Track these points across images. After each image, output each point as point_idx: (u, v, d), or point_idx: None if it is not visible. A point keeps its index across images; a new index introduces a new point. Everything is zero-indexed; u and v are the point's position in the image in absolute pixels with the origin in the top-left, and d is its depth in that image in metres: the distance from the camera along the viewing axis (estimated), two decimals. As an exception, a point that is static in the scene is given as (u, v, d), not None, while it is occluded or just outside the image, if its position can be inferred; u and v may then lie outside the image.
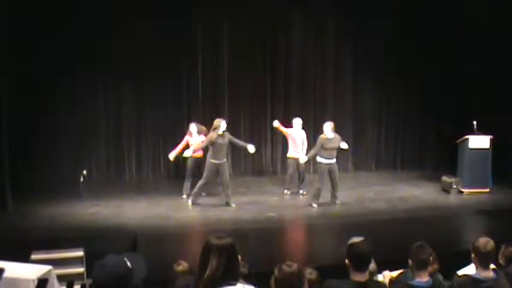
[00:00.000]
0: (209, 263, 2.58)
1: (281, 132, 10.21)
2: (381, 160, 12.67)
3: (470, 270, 3.91)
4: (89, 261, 6.08)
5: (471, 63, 11.41)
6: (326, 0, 11.86)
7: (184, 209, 9.08)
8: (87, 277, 5.97)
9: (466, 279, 3.69)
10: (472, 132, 9.94)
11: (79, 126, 10.68)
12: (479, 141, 9.97)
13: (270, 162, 12.05)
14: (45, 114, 10.38)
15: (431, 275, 3.56)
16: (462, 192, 10.07)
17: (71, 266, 6.12)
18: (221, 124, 8.81)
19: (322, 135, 9.09)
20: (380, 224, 8.12)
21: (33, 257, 5.99)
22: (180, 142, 9.70)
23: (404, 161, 12.73)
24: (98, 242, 6.79)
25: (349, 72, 12.35)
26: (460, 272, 4.01)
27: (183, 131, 9.98)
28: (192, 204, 9.12)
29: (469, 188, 10.07)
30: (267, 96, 11.92)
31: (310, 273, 3.81)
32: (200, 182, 9.03)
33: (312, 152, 9.27)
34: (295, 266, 2.81)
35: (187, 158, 9.50)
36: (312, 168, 11.49)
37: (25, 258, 5.65)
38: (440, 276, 3.95)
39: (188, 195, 9.54)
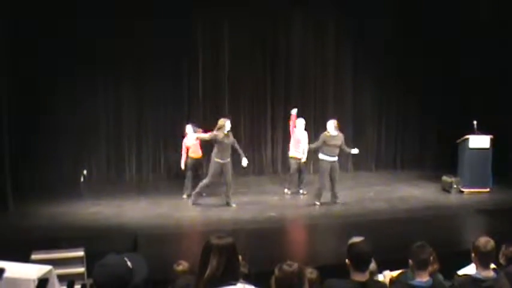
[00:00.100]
0: (209, 262, 2.58)
1: (289, 125, 10.16)
2: (381, 160, 12.69)
3: (470, 269, 3.91)
4: (89, 261, 6.07)
5: (471, 63, 11.42)
6: (326, 0, 11.86)
7: (185, 209, 9.08)
8: (87, 277, 5.96)
9: (467, 279, 3.69)
10: (472, 132, 9.94)
11: (79, 126, 10.69)
12: (479, 141, 9.98)
13: (270, 162, 12.05)
14: (45, 114, 10.38)
15: (431, 274, 3.56)
16: (462, 191, 10.08)
17: (71, 266, 6.11)
18: (226, 124, 8.84)
19: (325, 132, 9.11)
20: (380, 224, 8.12)
21: (34, 257, 5.98)
22: (180, 143, 9.76)
23: (405, 161, 12.74)
24: (99, 241, 6.79)
25: (349, 72, 12.36)
26: (460, 272, 4.01)
27: (184, 131, 9.98)
28: (193, 204, 9.13)
29: (469, 187, 10.08)
30: (267, 96, 11.93)
31: (310, 273, 3.80)
32: (204, 182, 9.01)
33: (313, 145, 9.27)
34: (295, 265, 2.81)
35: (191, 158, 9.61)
36: (313, 168, 11.52)
37: (25, 258, 5.64)
38: (440, 276, 3.95)
39: (188, 196, 9.56)
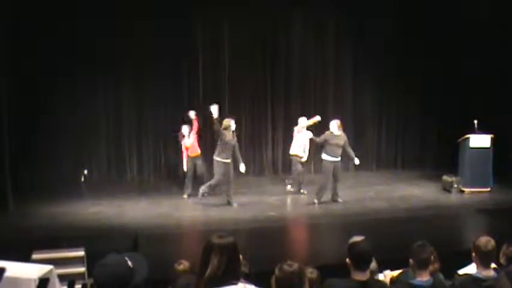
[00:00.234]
0: (210, 262, 2.58)
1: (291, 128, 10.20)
2: (382, 160, 12.69)
3: (471, 269, 3.91)
4: (89, 260, 6.08)
5: (471, 63, 11.41)
6: (326, 0, 11.86)
7: (185, 209, 9.09)
8: (88, 277, 5.97)
9: (467, 278, 3.69)
10: (472, 131, 9.94)
11: (79, 126, 10.70)
12: (480, 140, 9.97)
13: (270, 162, 12.05)
14: (45, 114, 10.39)
15: (432, 274, 3.56)
16: (463, 191, 10.08)
17: (72, 265, 6.11)
18: (231, 124, 8.88)
19: (329, 132, 9.13)
20: (381, 223, 8.12)
21: (34, 256, 5.99)
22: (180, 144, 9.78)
23: (405, 160, 12.74)
24: (99, 241, 6.79)
25: (350, 72, 12.36)
26: (461, 271, 4.01)
27: (181, 132, 9.94)
28: (201, 196, 9.00)
29: (470, 187, 10.08)
30: (267, 96, 11.93)
31: (311, 273, 3.80)
32: (213, 182, 8.99)
33: (316, 139, 9.25)
34: (295, 265, 2.81)
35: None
36: (313, 168, 11.53)
37: (26, 258, 5.65)
38: (441, 276, 3.95)
39: (189, 195, 9.58)
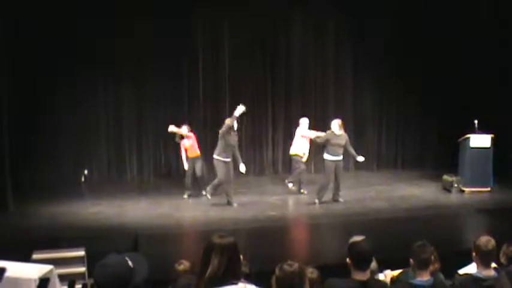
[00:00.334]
0: (211, 262, 2.58)
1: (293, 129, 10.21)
2: (382, 160, 12.70)
3: (471, 269, 3.92)
4: (90, 260, 6.08)
5: (471, 63, 11.41)
6: (326, 0, 11.86)
7: (185, 209, 9.09)
8: (88, 277, 5.97)
9: (467, 278, 3.70)
10: (473, 131, 9.94)
11: (79, 126, 10.71)
12: (480, 140, 9.97)
13: (271, 162, 12.05)
14: (45, 114, 10.40)
15: (432, 274, 3.56)
16: (463, 191, 10.08)
17: (72, 265, 6.12)
18: (234, 123, 8.89)
19: (329, 131, 9.14)
20: (381, 223, 8.12)
21: (35, 256, 5.99)
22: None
23: (405, 160, 12.75)
24: (99, 241, 6.79)
25: (350, 72, 12.36)
26: (461, 271, 4.01)
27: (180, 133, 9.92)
28: (211, 196, 9.01)
29: (470, 187, 10.08)
30: (267, 97, 11.93)
31: (311, 273, 3.80)
32: (216, 182, 8.99)
33: (318, 139, 9.24)
34: (296, 265, 2.81)
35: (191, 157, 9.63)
36: (313, 168, 11.53)
37: (26, 258, 5.65)
38: (441, 275, 3.95)
39: (189, 196, 9.60)
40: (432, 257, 3.52)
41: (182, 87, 11.44)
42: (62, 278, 5.08)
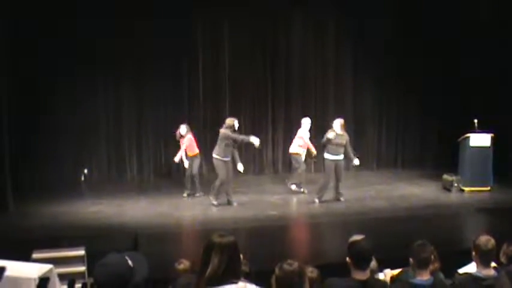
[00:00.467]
0: (211, 261, 2.58)
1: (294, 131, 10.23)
2: (382, 159, 12.70)
3: (471, 268, 3.92)
4: (90, 260, 6.09)
5: (471, 63, 11.41)
6: (326, 0, 11.86)
7: (185, 208, 9.09)
8: (88, 276, 5.98)
9: (467, 278, 3.70)
10: (473, 130, 9.95)
11: (79, 126, 10.71)
12: (480, 139, 9.97)
13: (270, 162, 12.05)
14: (45, 114, 10.39)
15: (432, 273, 3.56)
16: (463, 190, 10.08)
17: (72, 264, 6.12)
18: (235, 123, 8.92)
19: (331, 130, 9.15)
20: (381, 222, 8.12)
21: (35, 256, 5.99)
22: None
23: (405, 159, 12.76)
24: (99, 240, 6.80)
25: (350, 72, 12.37)
26: (461, 270, 4.01)
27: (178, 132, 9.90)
28: (218, 204, 9.02)
29: (470, 186, 10.08)
30: (268, 97, 11.93)
31: (311, 272, 3.80)
32: (217, 183, 8.98)
33: (323, 140, 9.21)
34: (296, 264, 2.82)
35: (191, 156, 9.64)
36: (313, 168, 11.53)
37: (26, 257, 5.65)
38: (441, 275, 3.95)
39: (189, 195, 9.62)
40: (432, 257, 3.52)
41: (182, 87, 11.44)
42: (62, 277, 5.08)
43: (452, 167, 10.48)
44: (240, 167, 9.15)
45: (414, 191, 10.37)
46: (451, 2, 11.40)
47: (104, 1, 10.30)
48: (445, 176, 10.41)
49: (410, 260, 3.47)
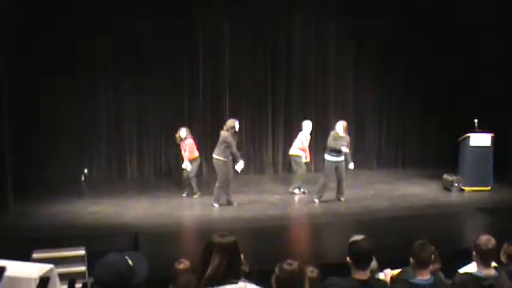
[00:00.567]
0: (211, 261, 2.58)
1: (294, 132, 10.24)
2: (383, 159, 12.71)
3: (471, 268, 3.91)
4: (90, 259, 6.09)
5: (471, 63, 11.40)
6: (326, 0, 11.86)
7: (185, 208, 9.10)
8: (88, 276, 5.97)
9: (468, 277, 3.69)
10: (473, 130, 9.95)
11: (79, 126, 10.72)
12: (480, 139, 9.98)
13: (271, 162, 12.05)
14: (46, 114, 10.40)
15: (432, 273, 3.56)
16: (463, 190, 10.08)
17: (72, 264, 6.12)
18: (235, 124, 8.92)
19: (334, 132, 9.17)
20: (381, 222, 8.13)
21: (35, 255, 5.99)
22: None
23: (406, 159, 12.76)
24: (100, 240, 6.80)
25: (350, 72, 12.36)
26: (461, 270, 4.01)
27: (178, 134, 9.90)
28: (219, 205, 9.02)
29: (470, 185, 10.09)
30: (268, 96, 11.92)
31: (311, 272, 3.80)
32: (217, 185, 8.99)
33: (331, 144, 9.17)
34: (296, 264, 2.82)
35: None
36: (314, 167, 11.53)
37: (26, 257, 5.65)
38: (441, 274, 3.95)
39: (188, 195, 9.62)
40: (433, 257, 3.52)
41: (182, 87, 11.44)
42: (62, 277, 5.09)
43: (453, 166, 10.48)
44: (238, 167, 9.10)
45: (414, 191, 10.37)
46: (451, 2, 11.40)
47: (104, 1, 10.30)
48: (446, 176, 10.41)
49: (411, 259, 3.47)
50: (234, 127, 8.89)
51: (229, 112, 11.32)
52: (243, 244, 2.76)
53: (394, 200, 9.63)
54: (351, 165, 9.44)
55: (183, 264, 4.40)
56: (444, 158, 11.78)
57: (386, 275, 4.15)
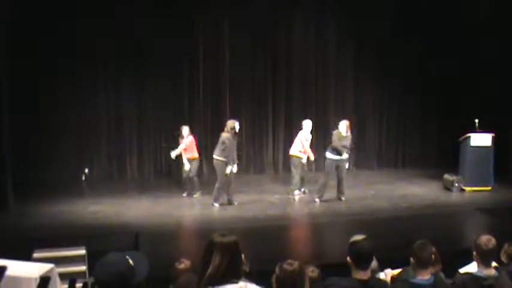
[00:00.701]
0: (212, 260, 2.58)
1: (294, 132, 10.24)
2: (383, 158, 12.71)
3: (472, 268, 3.91)
4: (90, 259, 6.10)
5: (471, 63, 11.40)
6: (326, 0, 11.86)
7: (186, 208, 9.10)
8: (89, 275, 5.98)
9: (468, 277, 3.69)
10: (473, 130, 9.95)
11: (80, 126, 10.73)
12: (481, 139, 9.98)
13: (271, 162, 12.05)
14: (46, 114, 10.40)
15: (433, 274, 3.56)
16: (464, 190, 10.08)
17: (73, 264, 6.13)
18: (236, 125, 8.91)
19: (337, 131, 9.19)
20: (382, 222, 8.13)
21: (35, 255, 6.00)
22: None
23: (406, 159, 12.76)
24: (100, 240, 6.80)
25: (350, 72, 12.36)
26: (462, 270, 4.01)
27: (180, 133, 9.89)
28: (220, 204, 9.04)
29: (471, 185, 10.09)
30: (268, 96, 11.92)
31: (311, 271, 3.80)
32: (217, 185, 9.00)
33: (335, 144, 9.16)
34: (296, 264, 2.82)
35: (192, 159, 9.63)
36: (314, 167, 11.53)
37: (27, 257, 5.66)
38: (441, 274, 3.95)
39: (188, 194, 9.62)
40: (433, 257, 3.52)
41: (182, 87, 11.44)
42: (63, 276, 5.10)
43: (453, 166, 10.49)
44: (235, 167, 9.07)
45: (415, 191, 10.37)
46: (451, 2, 11.40)
47: (104, 1, 10.30)
48: (446, 176, 10.41)
49: (411, 259, 3.47)
50: (234, 128, 8.89)
51: (229, 112, 11.32)
52: (243, 244, 2.76)
53: (395, 200, 9.63)
54: (346, 165, 9.49)
55: (184, 263, 4.40)
56: (444, 158, 11.79)
57: (386, 274, 4.15)
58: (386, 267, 4.23)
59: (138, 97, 11.22)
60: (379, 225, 7.83)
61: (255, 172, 11.84)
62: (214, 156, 9.00)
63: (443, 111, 12.31)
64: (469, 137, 9.99)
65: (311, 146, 10.00)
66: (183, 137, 9.59)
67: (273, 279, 2.90)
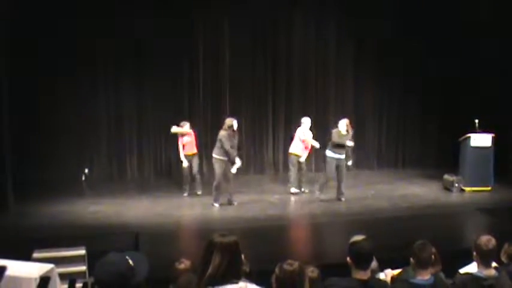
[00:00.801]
0: (212, 260, 2.58)
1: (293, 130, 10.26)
2: (383, 158, 12.71)
3: (472, 268, 3.91)
4: (90, 259, 6.09)
5: (471, 63, 11.41)
6: (326, 0, 11.86)
7: (186, 207, 9.10)
8: (89, 275, 5.98)
9: (468, 277, 3.69)
10: (474, 130, 9.95)
11: (80, 126, 10.73)
12: (481, 139, 9.98)
13: (271, 162, 12.05)
14: (46, 114, 10.40)
15: (433, 274, 3.55)
16: (464, 190, 10.08)
17: (72, 264, 6.12)
18: (234, 123, 8.91)
19: (337, 129, 9.21)
20: (382, 222, 8.12)
21: (35, 255, 6.00)
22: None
23: (406, 159, 12.77)
24: (100, 240, 6.79)
25: (350, 72, 12.36)
26: (462, 270, 4.01)
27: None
28: (220, 205, 9.04)
29: (471, 186, 10.09)
30: (268, 96, 11.92)
31: (311, 272, 3.80)
32: (215, 184, 8.99)
33: (335, 141, 9.18)
34: (296, 264, 2.82)
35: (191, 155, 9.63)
36: (314, 167, 11.53)
37: (27, 257, 5.66)
38: (441, 274, 3.95)
39: (189, 194, 9.62)
40: (433, 258, 3.51)
41: (182, 87, 11.44)
42: (63, 276, 5.10)
43: (453, 167, 10.49)
44: (234, 168, 9.05)
45: (415, 191, 10.37)
46: (451, 2, 11.40)
47: (104, 1, 10.30)
48: (446, 176, 10.41)
49: (411, 259, 3.47)
50: (232, 126, 8.88)
51: (229, 112, 11.30)
52: (243, 244, 2.76)
53: (395, 200, 9.63)
54: (350, 162, 9.47)
55: (184, 264, 4.39)
56: (444, 158, 11.79)
57: (386, 275, 4.15)
58: (386, 268, 4.22)
59: (138, 97, 11.22)
60: (379, 225, 7.83)
61: (255, 172, 11.85)
62: (213, 155, 9.01)
63: (443, 111, 12.31)
64: (469, 137, 9.99)
65: (311, 146, 10.01)
66: (183, 135, 9.56)
67: (273, 279, 2.90)
